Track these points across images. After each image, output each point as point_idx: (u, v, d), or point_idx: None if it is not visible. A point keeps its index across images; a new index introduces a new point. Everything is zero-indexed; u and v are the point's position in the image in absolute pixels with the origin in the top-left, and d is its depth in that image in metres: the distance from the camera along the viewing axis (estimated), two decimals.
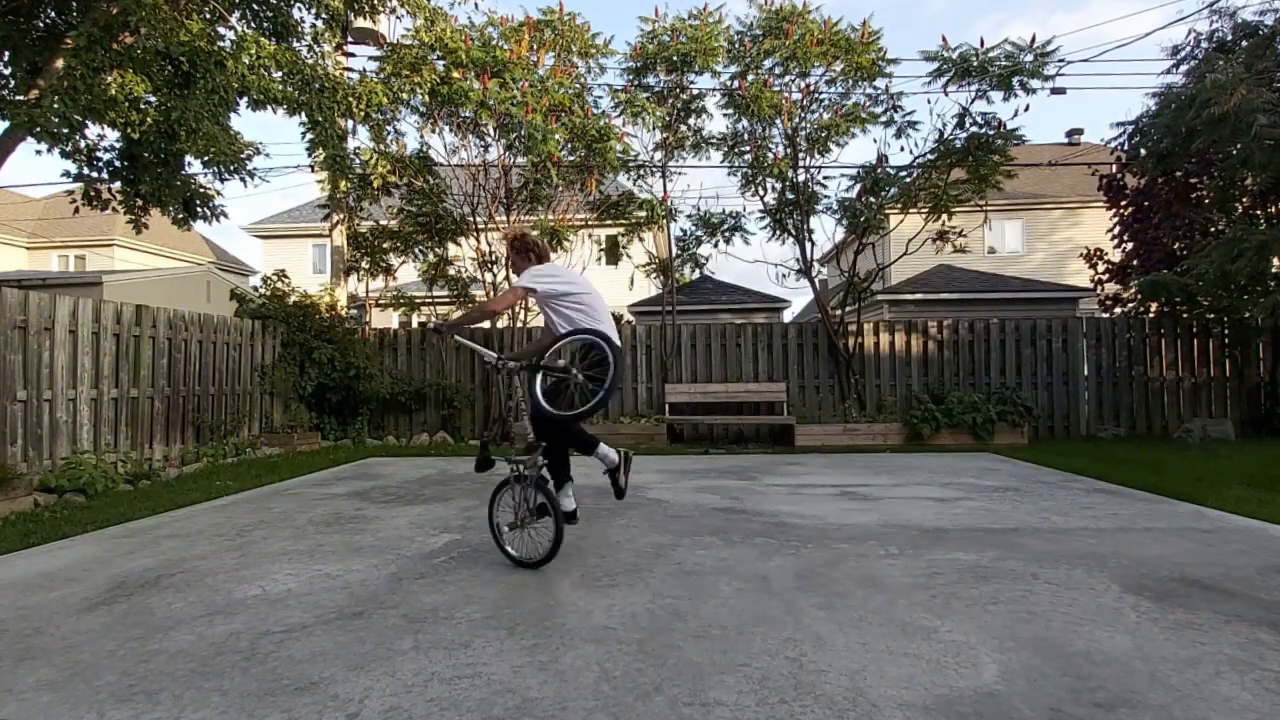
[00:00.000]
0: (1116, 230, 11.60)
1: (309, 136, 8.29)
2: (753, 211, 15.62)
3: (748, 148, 9.66)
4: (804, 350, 9.82)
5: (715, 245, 10.02)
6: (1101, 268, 11.83)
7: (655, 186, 10.20)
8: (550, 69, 9.13)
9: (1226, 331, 9.47)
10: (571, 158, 9.35)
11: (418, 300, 10.99)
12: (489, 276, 9.73)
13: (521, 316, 9.80)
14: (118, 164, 8.35)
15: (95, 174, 8.34)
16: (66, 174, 8.23)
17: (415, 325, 11.83)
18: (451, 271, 10.07)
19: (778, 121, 9.33)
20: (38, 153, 9.90)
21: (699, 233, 10.02)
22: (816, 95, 9.30)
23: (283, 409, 8.90)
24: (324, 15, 8.55)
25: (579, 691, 2.06)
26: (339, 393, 9.32)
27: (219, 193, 9.09)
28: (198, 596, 3.00)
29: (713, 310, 16.54)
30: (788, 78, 9.34)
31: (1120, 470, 6.23)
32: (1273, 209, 9.57)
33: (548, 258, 3.79)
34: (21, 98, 7.33)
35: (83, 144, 8.05)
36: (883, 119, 9.14)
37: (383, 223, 10.33)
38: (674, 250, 10.67)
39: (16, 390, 5.46)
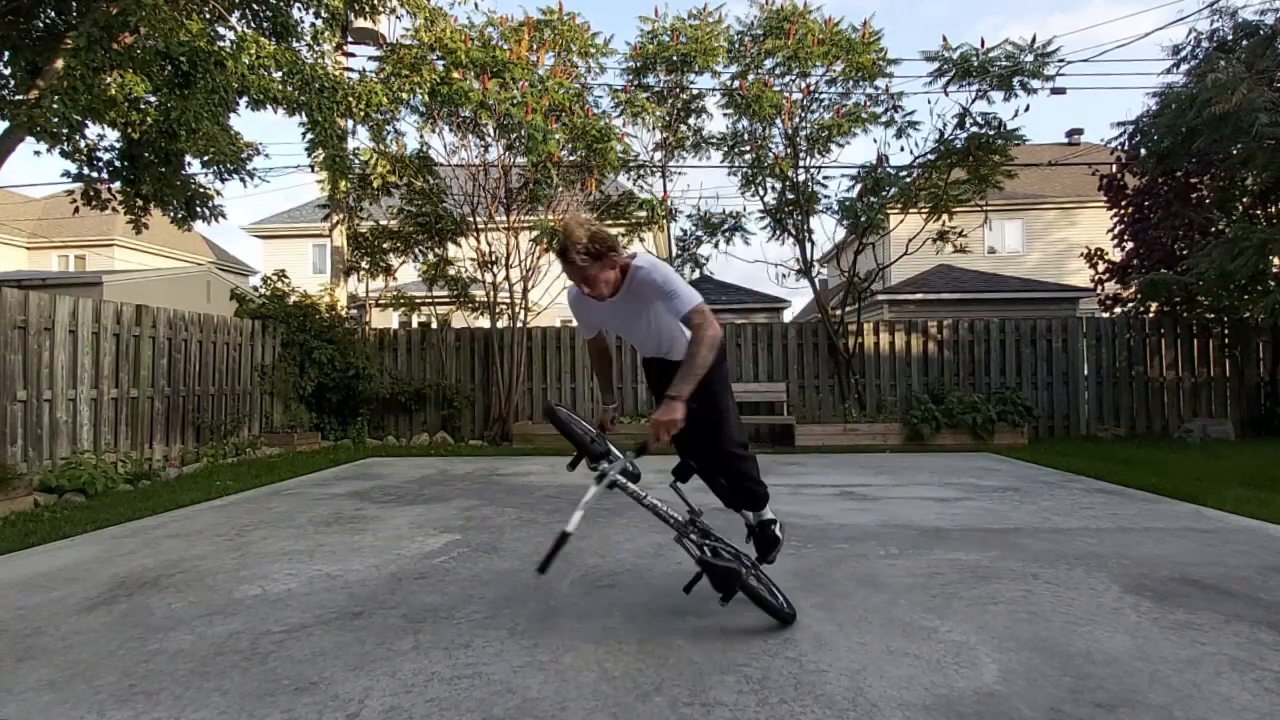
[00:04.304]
0: (1117, 230, 11.62)
1: (309, 136, 8.29)
2: (753, 211, 15.58)
3: (748, 148, 9.65)
4: (804, 350, 9.82)
5: (715, 245, 10.01)
6: (1102, 268, 11.84)
7: (655, 186, 10.20)
8: (550, 69, 9.11)
9: (1226, 331, 9.46)
10: (571, 158, 9.33)
11: (418, 300, 10.98)
12: (489, 276, 9.73)
13: (522, 317, 9.80)
14: (118, 164, 8.35)
15: (95, 174, 8.34)
16: (66, 174, 8.24)
17: (415, 325, 11.83)
18: (451, 271, 10.06)
19: (778, 121, 9.32)
20: (37, 153, 9.94)
21: (699, 233, 10.00)
22: (817, 95, 9.29)
23: (283, 409, 8.90)
24: (324, 15, 8.54)
25: (579, 691, 2.06)
26: (339, 393, 9.32)
27: (219, 193, 9.11)
28: (198, 596, 3.00)
29: (713, 310, 16.51)
30: (788, 78, 9.33)
31: (1120, 470, 6.23)
32: (1273, 209, 9.57)
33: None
34: (21, 98, 7.32)
35: (83, 144, 8.06)
36: (883, 119, 9.14)
37: (383, 223, 10.32)
38: (674, 250, 10.66)
39: (16, 390, 5.45)
